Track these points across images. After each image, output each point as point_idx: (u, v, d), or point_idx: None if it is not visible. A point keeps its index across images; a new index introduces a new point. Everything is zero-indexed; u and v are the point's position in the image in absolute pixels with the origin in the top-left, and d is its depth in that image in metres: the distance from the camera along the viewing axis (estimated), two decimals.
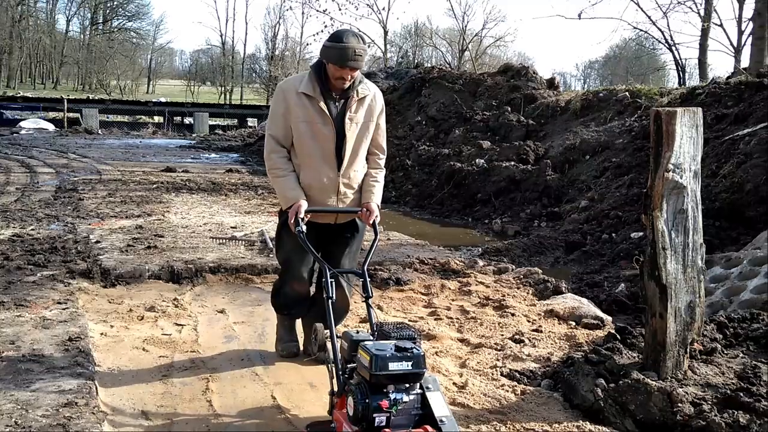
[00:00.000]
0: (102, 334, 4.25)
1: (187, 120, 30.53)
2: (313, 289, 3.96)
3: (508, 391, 3.57)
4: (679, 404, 3.09)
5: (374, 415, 2.54)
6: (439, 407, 2.63)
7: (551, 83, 13.85)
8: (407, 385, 2.63)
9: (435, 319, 4.84)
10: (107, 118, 29.26)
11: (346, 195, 3.60)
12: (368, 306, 3.21)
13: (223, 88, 55.56)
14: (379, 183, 3.70)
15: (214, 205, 9.24)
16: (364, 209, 3.60)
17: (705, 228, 6.12)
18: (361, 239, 3.83)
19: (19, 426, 2.84)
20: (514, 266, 6.47)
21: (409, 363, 2.58)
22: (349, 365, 2.83)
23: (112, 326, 4.41)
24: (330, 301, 3.12)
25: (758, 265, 4.91)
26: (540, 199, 9.39)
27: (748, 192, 6.34)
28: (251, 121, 32.12)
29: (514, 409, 3.34)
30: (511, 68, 14.44)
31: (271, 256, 6.21)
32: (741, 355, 3.81)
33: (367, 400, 2.56)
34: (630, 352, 3.78)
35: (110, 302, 4.92)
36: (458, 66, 18.69)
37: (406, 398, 2.62)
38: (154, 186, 10.60)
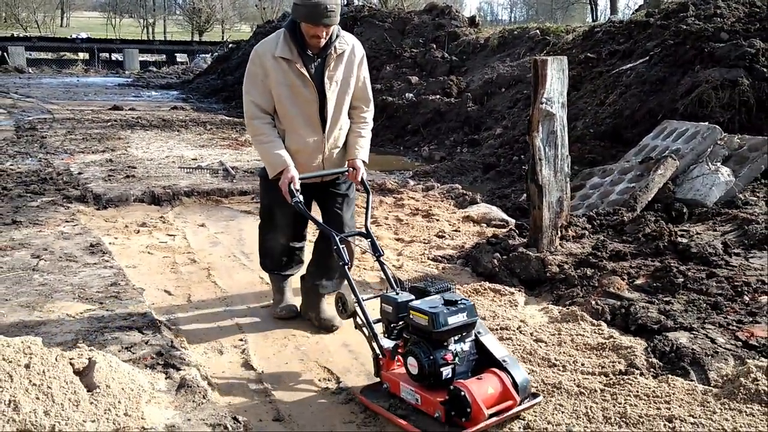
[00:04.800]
0: (110, 243, 5.28)
1: (115, 56, 30.14)
2: (301, 246, 3.89)
3: (432, 268, 4.86)
4: (549, 266, 4.46)
5: (441, 369, 2.65)
6: (498, 349, 2.75)
7: (472, 21, 14.98)
8: (462, 335, 2.75)
9: (376, 226, 6.06)
10: (30, 55, 28.61)
11: (331, 155, 3.54)
12: (381, 264, 3.19)
13: (145, 21, 53.91)
14: (364, 138, 3.59)
15: (170, 140, 10.10)
16: (350, 168, 3.52)
17: (592, 147, 7.72)
18: (352, 197, 3.72)
19: (83, 298, 3.93)
20: (439, 184, 7.76)
21: (464, 314, 2.69)
22: (393, 326, 2.89)
23: (116, 238, 5.44)
24: (346, 266, 3.10)
25: (625, 174, 6.31)
26: (462, 128, 10.63)
27: (626, 117, 7.74)
28: (180, 57, 31.97)
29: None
30: (435, 7, 15.42)
31: (234, 181, 7.28)
32: (601, 237, 5.22)
33: (431, 357, 2.64)
34: (521, 239, 5.12)
35: (106, 221, 5.92)
36: (385, 2, 19.41)
37: (465, 347, 2.74)
38: (108, 124, 11.29)
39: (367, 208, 3.41)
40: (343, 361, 3.42)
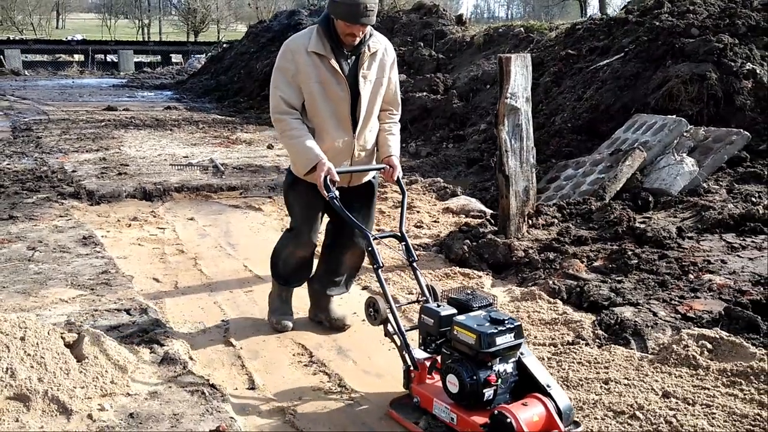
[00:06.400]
0: (103, 236, 5.55)
1: (110, 58, 30.39)
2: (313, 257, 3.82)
3: None
4: (515, 251, 4.74)
5: (483, 390, 2.53)
6: (542, 374, 2.61)
7: (459, 19, 15.24)
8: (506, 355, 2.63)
9: None
10: (26, 57, 28.84)
11: (360, 158, 3.41)
12: (414, 269, 3.08)
13: (140, 22, 54.09)
14: (395, 137, 3.47)
15: (162, 139, 10.36)
16: (387, 166, 3.38)
17: (570, 141, 8.01)
18: (375, 201, 3.65)
19: (75, 285, 4.21)
20: (422, 178, 8.03)
21: (512, 335, 2.57)
22: (432, 339, 2.80)
23: (108, 231, 5.71)
24: (380, 269, 2.99)
25: (596, 166, 6.59)
26: (448, 124, 10.90)
27: (601, 111, 8.02)
28: (175, 58, 32.20)
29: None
30: (423, 6, 15.69)
31: (223, 177, 7.55)
32: (569, 225, 5.50)
33: (474, 377, 2.52)
34: (493, 227, 5.40)
35: (99, 216, 6.19)
36: (380, 2, 19.79)
37: (508, 368, 2.61)
38: (102, 124, 11.55)
39: (402, 210, 3.25)
40: (316, 337, 3.70)
